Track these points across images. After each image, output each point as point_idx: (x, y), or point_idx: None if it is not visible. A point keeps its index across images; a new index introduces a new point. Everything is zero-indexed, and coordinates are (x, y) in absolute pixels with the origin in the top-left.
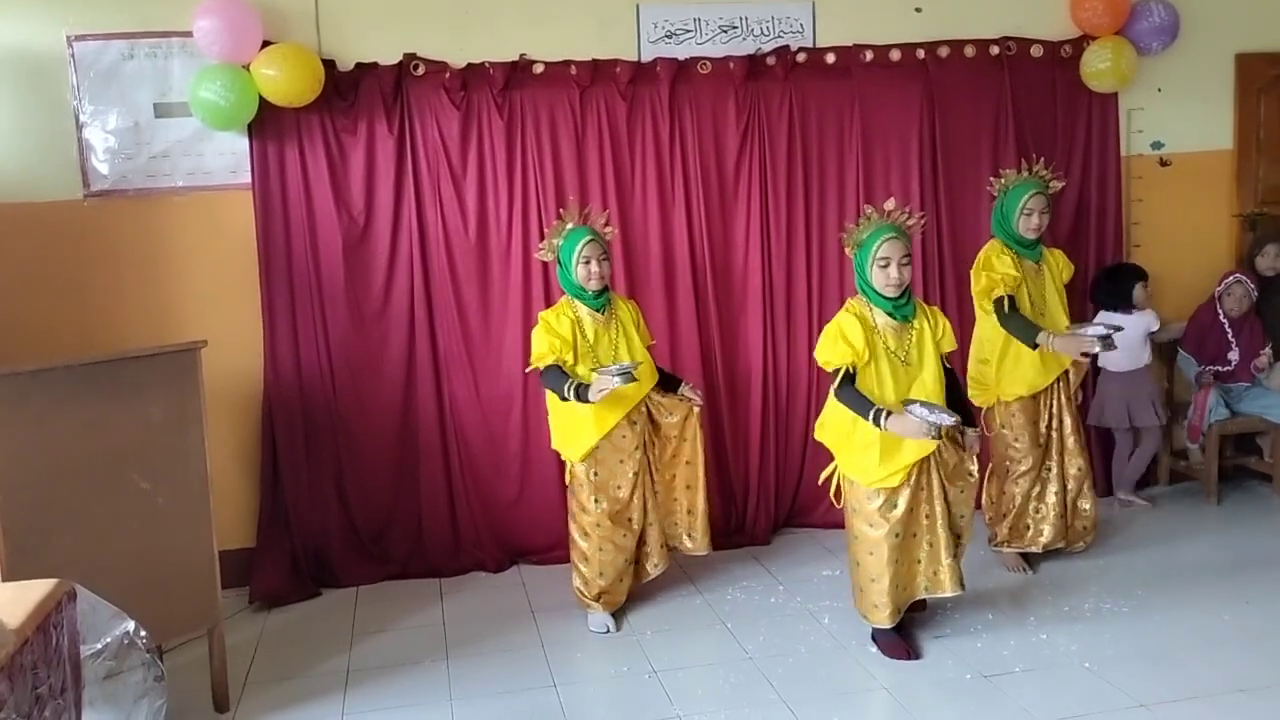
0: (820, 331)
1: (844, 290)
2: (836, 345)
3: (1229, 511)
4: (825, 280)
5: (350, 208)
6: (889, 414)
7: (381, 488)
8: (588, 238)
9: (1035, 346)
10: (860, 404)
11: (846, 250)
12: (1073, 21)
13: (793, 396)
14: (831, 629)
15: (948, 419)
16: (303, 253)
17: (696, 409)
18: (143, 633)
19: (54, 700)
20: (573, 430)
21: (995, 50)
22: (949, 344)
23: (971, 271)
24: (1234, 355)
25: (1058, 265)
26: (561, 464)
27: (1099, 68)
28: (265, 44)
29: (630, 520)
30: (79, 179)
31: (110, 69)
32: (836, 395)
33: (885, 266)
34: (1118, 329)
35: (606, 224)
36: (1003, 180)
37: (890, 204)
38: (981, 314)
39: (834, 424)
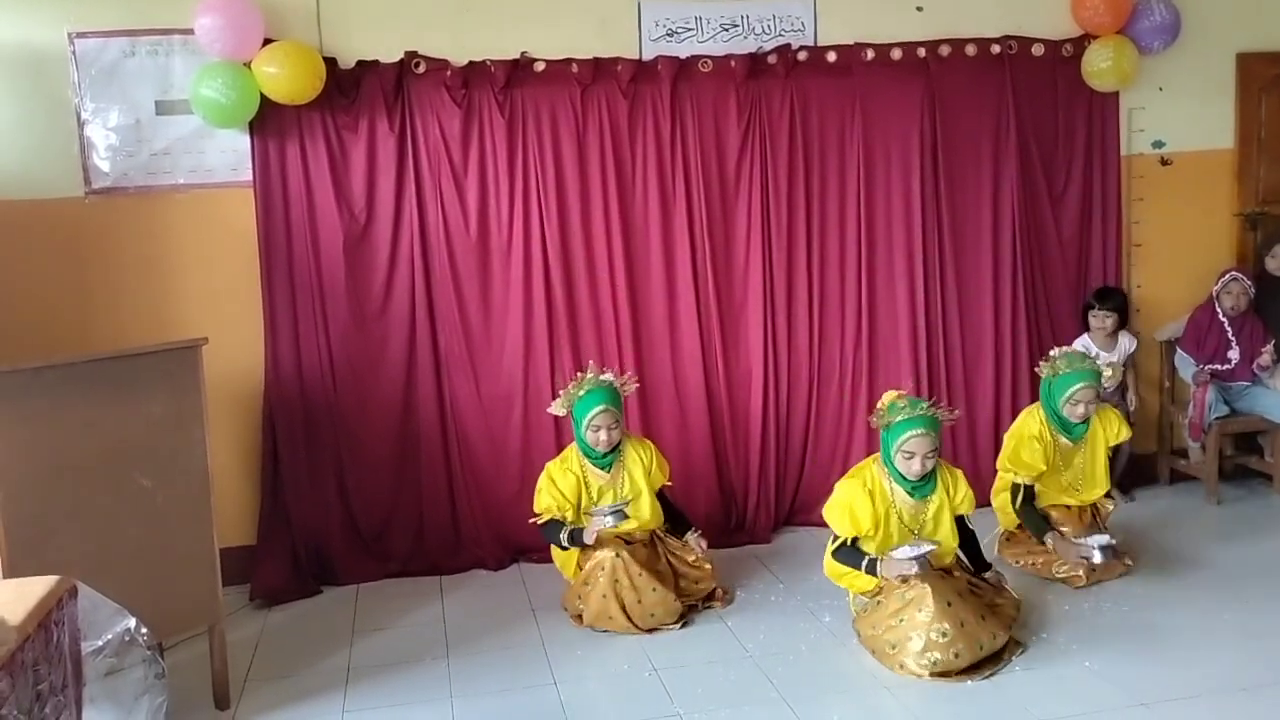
0: (820, 329)
1: (844, 289)
2: (843, 518)
3: (1230, 511)
4: (826, 277)
5: (351, 205)
6: (879, 561)
7: (382, 486)
8: (601, 407)
9: (1042, 542)
10: (854, 560)
11: (872, 423)
12: (1074, 20)
13: (793, 394)
14: (832, 627)
15: (927, 545)
16: (303, 250)
17: (707, 566)
18: (143, 630)
19: (55, 697)
20: (547, 498)
21: (996, 49)
22: (966, 508)
23: (1008, 434)
24: (1234, 354)
25: (1105, 430)
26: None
27: (1100, 66)
28: (266, 41)
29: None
30: (80, 176)
31: (111, 66)
32: (833, 556)
33: (910, 459)
34: (1115, 548)
35: (627, 380)
36: (1053, 364)
37: (925, 403)
38: (1002, 472)
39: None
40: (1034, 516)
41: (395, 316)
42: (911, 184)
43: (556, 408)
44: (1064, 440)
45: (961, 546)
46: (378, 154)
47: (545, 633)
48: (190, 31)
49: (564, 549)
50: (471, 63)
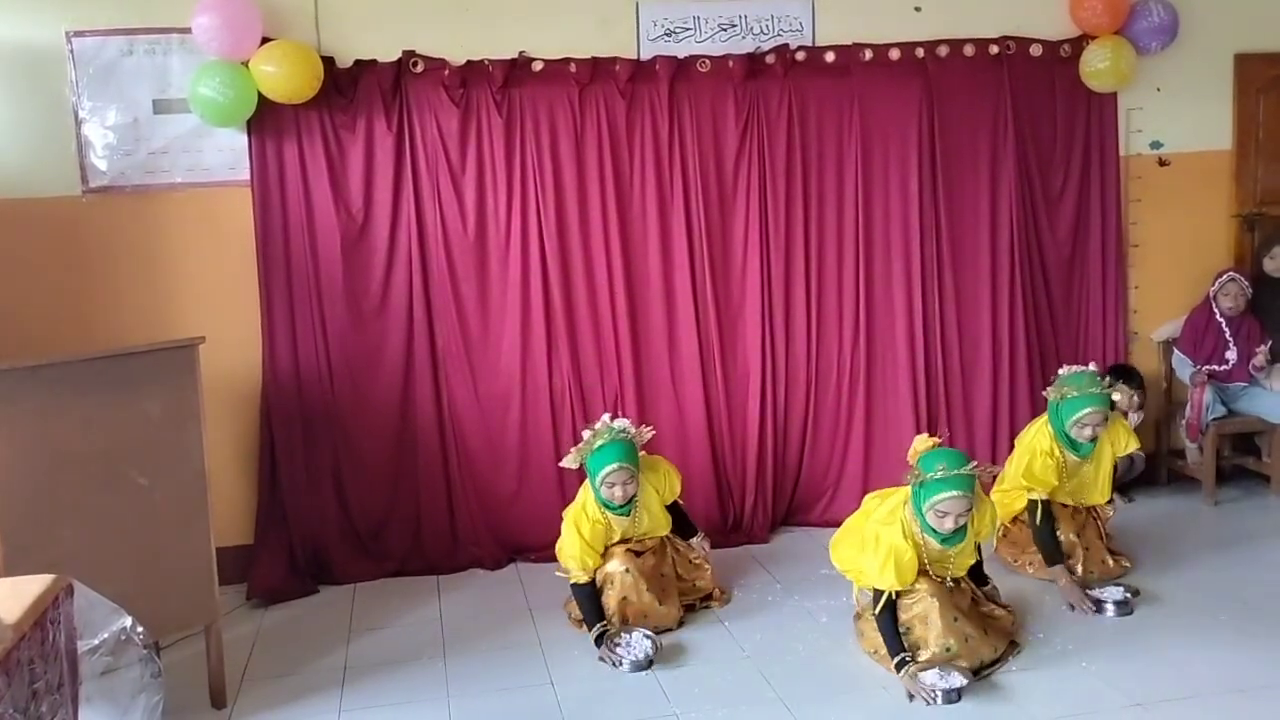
0: (817, 330)
1: (841, 289)
2: (886, 570)
3: (1227, 512)
4: (824, 278)
5: (349, 205)
6: (908, 668)
7: (379, 485)
8: (615, 465)
9: (1049, 565)
10: (892, 643)
11: (905, 478)
12: (1072, 21)
13: (791, 395)
14: (829, 628)
15: (958, 680)
16: (301, 250)
17: (707, 568)
18: (140, 629)
19: (50, 696)
20: (578, 551)
21: (994, 49)
22: (987, 535)
23: (1018, 440)
24: (1231, 355)
25: (1115, 444)
26: (559, 463)
27: (1098, 67)
28: (264, 40)
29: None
30: (78, 175)
31: (109, 65)
32: (876, 619)
33: (943, 517)
34: (1136, 592)
35: (641, 430)
36: (1060, 387)
37: (933, 438)
38: (1015, 488)
39: (847, 545)
40: (1051, 542)
41: (393, 315)
42: (909, 184)
43: (569, 461)
44: (1072, 457)
45: None
46: (375, 153)
47: (542, 632)
48: (188, 30)
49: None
50: (470, 62)
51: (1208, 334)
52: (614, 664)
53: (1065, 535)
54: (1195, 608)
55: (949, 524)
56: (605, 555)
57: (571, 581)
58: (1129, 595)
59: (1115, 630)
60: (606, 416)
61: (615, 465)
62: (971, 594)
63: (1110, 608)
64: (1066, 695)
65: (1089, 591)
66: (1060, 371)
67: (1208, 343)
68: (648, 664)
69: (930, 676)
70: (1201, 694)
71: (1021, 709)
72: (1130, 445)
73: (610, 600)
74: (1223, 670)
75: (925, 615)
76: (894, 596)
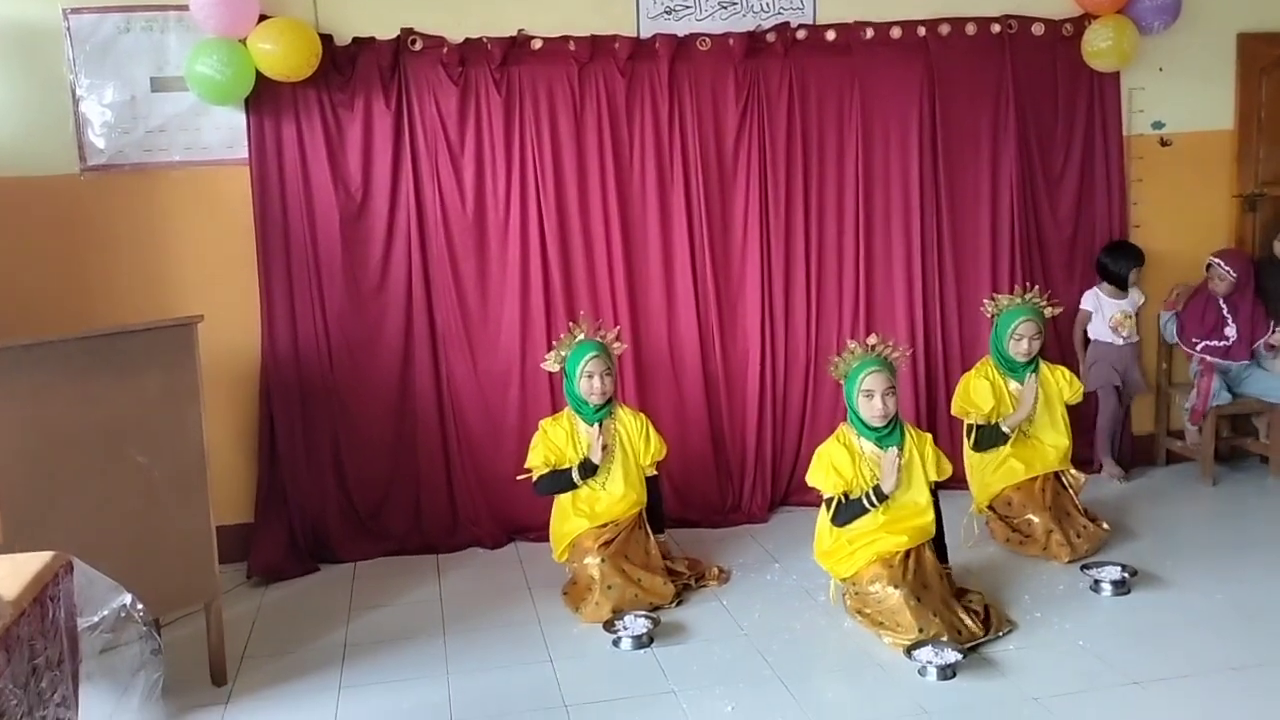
0: (817, 309)
1: (841, 270)
2: (829, 476)
3: (1225, 492)
4: (823, 258)
5: (348, 183)
6: (876, 489)
7: (379, 464)
8: (593, 353)
9: (1007, 437)
10: (858, 511)
11: (833, 375)
12: (1074, 0)
13: (790, 374)
14: (827, 606)
15: (953, 657)
16: (300, 228)
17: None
18: (140, 606)
19: (51, 672)
20: (563, 527)
21: (996, 28)
22: (935, 473)
23: (958, 386)
24: (1231, 331)
25: (1057, 385)
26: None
27: (1100, 46)
28: (262, 18)
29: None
30: (75, 153)
31: (106, 42)
32: (835, 521)
33: (870, 398)
34: (1133, 572)
35: (617, 338)
36: (996, 303)
37: (873, 339)
38: (965, 420)
39: (821, 539)
40: (985, 435)
41: (392, 294)
42: (910, 163)
43: (550, 364)
44: (1013, 383)
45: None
46: (374, 132)
47: (541, 610)
48: (185, 8)
49: (575, 487)
50: (468, 40)
51: (1207, 312)
52: (598, 439)
53: (1037, 518)
54: (1192, 587)
55: (877, 404)
56: (578, 551)
57: (534, 480)
58: (1126, 575)
59: (1112, 609)
60: (584, 315)
61: (593, 354)
62: (940, 573)
63: (1107, 587)
64: (1063, 673)
65: (1086, 570)
66: (995, 295)
67: (1207, 320)
68: (647, 641)
69: (925, 653)
70: (1197, 672)
71: (1017, 686)
72: (1075, 390)
73: (595, 593)
74: (1219, 649)
75: (893, 610)
76: (844, 499)
